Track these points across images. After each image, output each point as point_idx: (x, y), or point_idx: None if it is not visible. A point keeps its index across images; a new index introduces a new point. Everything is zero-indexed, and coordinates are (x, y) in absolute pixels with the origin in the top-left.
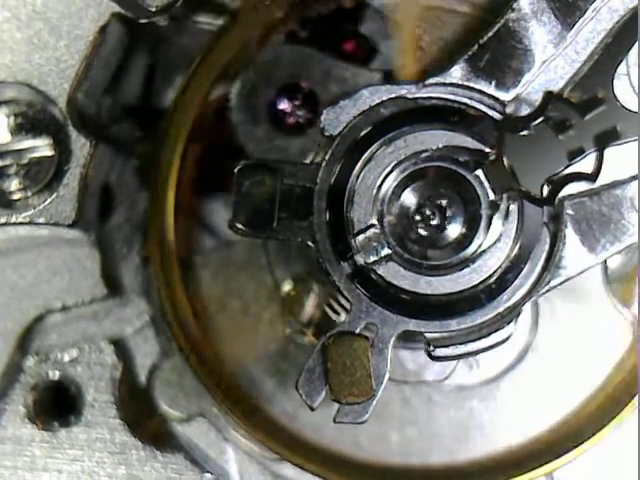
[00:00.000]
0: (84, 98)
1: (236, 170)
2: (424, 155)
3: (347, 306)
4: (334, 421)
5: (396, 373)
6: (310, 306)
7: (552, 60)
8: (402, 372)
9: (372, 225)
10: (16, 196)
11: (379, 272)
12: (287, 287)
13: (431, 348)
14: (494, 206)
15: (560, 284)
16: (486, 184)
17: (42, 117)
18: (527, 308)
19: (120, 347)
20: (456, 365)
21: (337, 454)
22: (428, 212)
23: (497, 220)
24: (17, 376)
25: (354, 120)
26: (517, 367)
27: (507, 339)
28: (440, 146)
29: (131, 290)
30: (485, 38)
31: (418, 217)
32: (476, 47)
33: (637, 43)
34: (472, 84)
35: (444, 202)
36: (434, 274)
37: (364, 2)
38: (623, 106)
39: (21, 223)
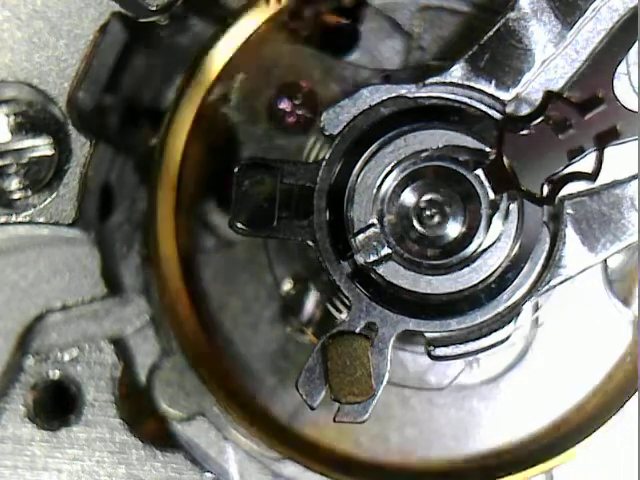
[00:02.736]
0: (84, 97)
1: (236, 169)
2: (424, 154)
3: (347, 305)
4: (334, 420)
5: (398, 377)
6: (310, 305)
7: (552, 59)
8: (404, 376)
9: (372, 224)
10: (16, 195)
11: (379, 271)
12: (287, 286)
13: (431, 348)
14: (494, 205)
15: (560, 283)
16: (486, 183)
17: (42, 116)
18: (527, 307)
19: (120, 346)
20: (460, 372)
21: (337, 453)
22: (428, 211)
23: (497, 220)
24: (17, 375)
25: (354, 119)
26: (517, 367)
27: (507, 339)
28: (440, 145)
29: (131, 290)
30: (485, 38)
31: (418, 216)
32: (476, 47)
33: (637, 43)
34: (472, 83)
35: (444, 201)
36: (434, 273)
37: (364, 1)
38: (623, 106)
39: (21, 222)
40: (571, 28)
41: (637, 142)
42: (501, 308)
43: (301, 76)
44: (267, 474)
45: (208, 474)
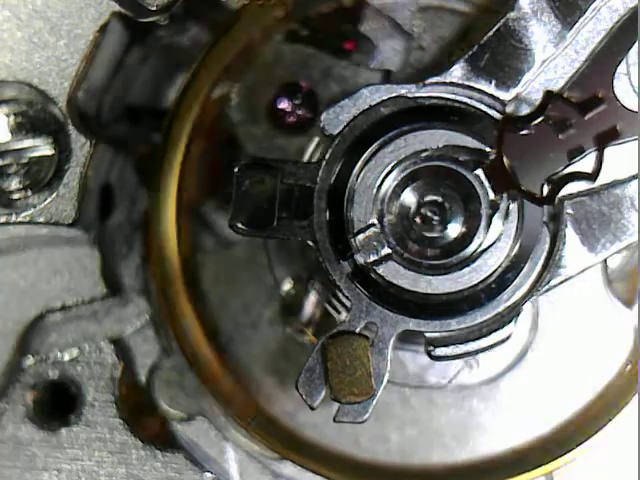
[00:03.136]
0: (84, 97)
1: (236, 169)
2: (424, 154)
3: (347, 305)
4: (334, 420)
5: (397, 376)
6: (310, 305)
7: (552, 59)
8: (403, 375)
9: (372, 224)
10: (16, 195)
11: (379, 271)
12: (287, 286)
13: (431, 348)
14: (494, 205)
15: (560, 283)
16: (486, 183)
17: (42, 116)
18: (527, 308)
19: (120, 346)
20: (459, 370)
21: (337, 453)
22: (428, 211)
23: (497, 219)
24: (17, 375)
25: (354, 119)
26: (517, 367)
27: (507, 339)
28: (440, 145)
29: (131, 290)
30: (485, 38)
31: (418, 216)
32: (476, 47)
33: (637, 43)
34: (472, 83)
35: (444, 201)
36: (434, 273)
37: (364, 1)
38: (623, 106)
39: (21, 222)
40: (571, 28)
41: (637, 142)
42: (501, 308)
43: (301, 76)
44: (267, 474)
45: (208, 474)
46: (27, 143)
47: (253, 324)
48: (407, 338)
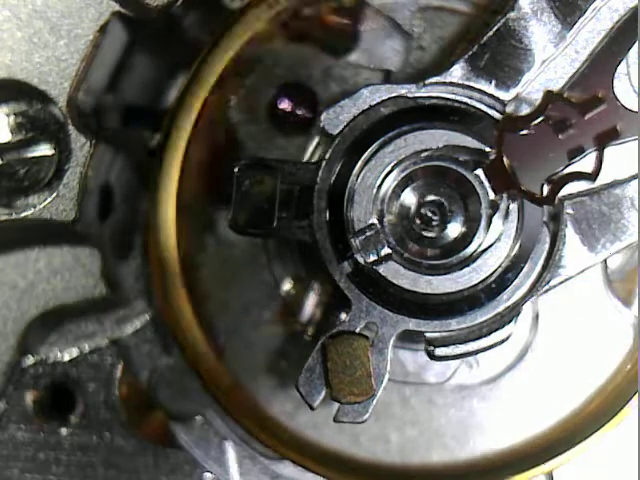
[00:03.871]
0: (84, 97)
1: (236, 169)
2: (424, 154)
3: (347, 305)
4: (334, 420)
5: (397, 374)
6: (310, 305)
7: (552, 59)
8: (403, 373)
9: (372, 224)
10: (16, 195)
11: (379, 271)
12: (287, 286)
13: (431, 348)
14: (494, 205)
15: (560, 283)
16: (486, 183)
17: (42, 116)
18: (527, 308)
19: (120, 347)
20: (457, 367)
21: (337, 453)
22: (428, 211)
23: (497, 219)
24: (17, 376)
25: (354, 119)
26: (517, 367)
27: (507, 338)
28: (440, 145)
29: (131, 290)
30: (485, 38)
31: (418, 216)
32: (476, 47)
33: (637, 43)
34: (472, 83)
35: (444, 201)
36: (434, 273)
37: (364, 1)
38: (623, 106)
39: (21, 222)
40: (571, 28)
41: (637, 142)
42: (501, 308)
43: (301, 76)
44: (267, 474)
45: (208, 474)
46: (27, 143)
47: (253, 324)
48: (407, 337)
